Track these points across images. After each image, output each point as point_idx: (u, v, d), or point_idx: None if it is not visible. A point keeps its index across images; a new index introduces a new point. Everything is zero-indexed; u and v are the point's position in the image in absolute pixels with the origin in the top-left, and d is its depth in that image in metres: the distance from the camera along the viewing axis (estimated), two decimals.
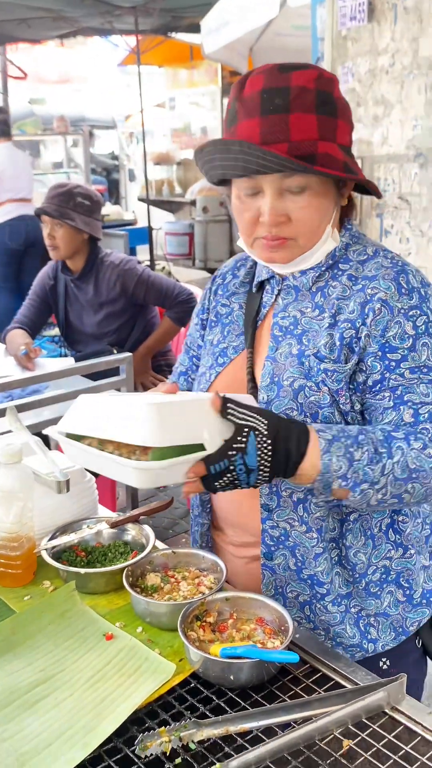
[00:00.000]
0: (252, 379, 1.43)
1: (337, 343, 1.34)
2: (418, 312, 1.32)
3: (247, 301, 1.51)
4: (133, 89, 7.94)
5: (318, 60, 2.87)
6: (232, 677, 1.17)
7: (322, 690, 1.18)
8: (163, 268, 8.60)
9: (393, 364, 1.31)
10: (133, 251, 7.18)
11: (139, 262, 3.47)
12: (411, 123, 2.37)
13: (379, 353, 1.32)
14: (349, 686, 1.18)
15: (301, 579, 1.42)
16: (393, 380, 1.31)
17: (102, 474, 1.33)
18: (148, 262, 7.53)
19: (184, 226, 9.36)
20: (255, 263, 1.53)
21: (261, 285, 1.50)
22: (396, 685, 1.13)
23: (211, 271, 9.86)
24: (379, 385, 1.32)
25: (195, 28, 7.18)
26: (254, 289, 1.50)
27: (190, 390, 1.61)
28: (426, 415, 1.29)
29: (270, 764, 1.03)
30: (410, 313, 1.31)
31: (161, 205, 10.12)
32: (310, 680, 1.21)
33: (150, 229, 8.12)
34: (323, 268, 1.41)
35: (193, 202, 9.31)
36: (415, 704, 1.14)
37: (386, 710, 1.13)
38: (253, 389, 1.42)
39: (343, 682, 1.20)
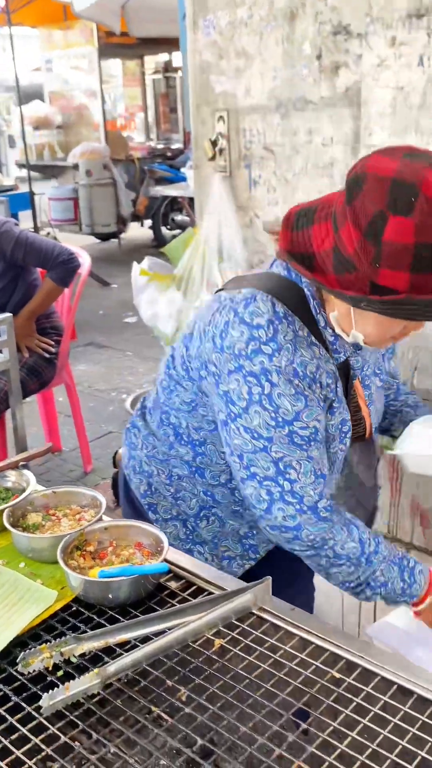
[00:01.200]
0: (360, 418, 1.58)
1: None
2: None
3: (338, 376, 1.48)
4: (9, 53, 7.66)
5: (184, 17, 2.89)
6: (111, 596, 1.24)
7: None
8: (48, 233, 8.45)
9: None
10: (15, 217, 7.02)
11: (17, 224, 3.42)
12: (271, 74, 2.44)
13: None
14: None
15: None
16: None
17: None
18: (32, 229, 7.39)
19: (68, 191, 9.18)
20: (312, 332, 1.43)
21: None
22: (261, 587, 1.23)
23: (99, 236, 9.74)
24: None
25: None
26: (338, 362, 1.47)
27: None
28: None
29: (147, 667, 1.12)
30: None
31: (43, 170, 9.89)
32: (186, 593, 1.30)
33: (32, 194, 7.95)
34: None
35: (75, 166, 9.14)
36: (280, 603, 1.25)
37: (254, 611, 1.23)
38: (358, 425, 1.57)
39: (216, 592, 1.29)
